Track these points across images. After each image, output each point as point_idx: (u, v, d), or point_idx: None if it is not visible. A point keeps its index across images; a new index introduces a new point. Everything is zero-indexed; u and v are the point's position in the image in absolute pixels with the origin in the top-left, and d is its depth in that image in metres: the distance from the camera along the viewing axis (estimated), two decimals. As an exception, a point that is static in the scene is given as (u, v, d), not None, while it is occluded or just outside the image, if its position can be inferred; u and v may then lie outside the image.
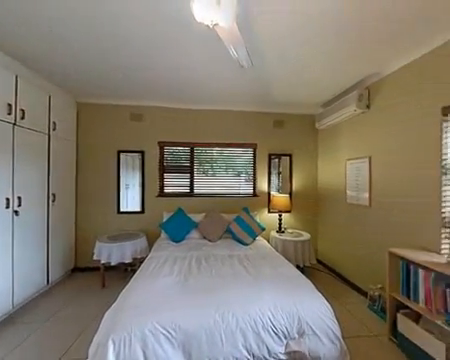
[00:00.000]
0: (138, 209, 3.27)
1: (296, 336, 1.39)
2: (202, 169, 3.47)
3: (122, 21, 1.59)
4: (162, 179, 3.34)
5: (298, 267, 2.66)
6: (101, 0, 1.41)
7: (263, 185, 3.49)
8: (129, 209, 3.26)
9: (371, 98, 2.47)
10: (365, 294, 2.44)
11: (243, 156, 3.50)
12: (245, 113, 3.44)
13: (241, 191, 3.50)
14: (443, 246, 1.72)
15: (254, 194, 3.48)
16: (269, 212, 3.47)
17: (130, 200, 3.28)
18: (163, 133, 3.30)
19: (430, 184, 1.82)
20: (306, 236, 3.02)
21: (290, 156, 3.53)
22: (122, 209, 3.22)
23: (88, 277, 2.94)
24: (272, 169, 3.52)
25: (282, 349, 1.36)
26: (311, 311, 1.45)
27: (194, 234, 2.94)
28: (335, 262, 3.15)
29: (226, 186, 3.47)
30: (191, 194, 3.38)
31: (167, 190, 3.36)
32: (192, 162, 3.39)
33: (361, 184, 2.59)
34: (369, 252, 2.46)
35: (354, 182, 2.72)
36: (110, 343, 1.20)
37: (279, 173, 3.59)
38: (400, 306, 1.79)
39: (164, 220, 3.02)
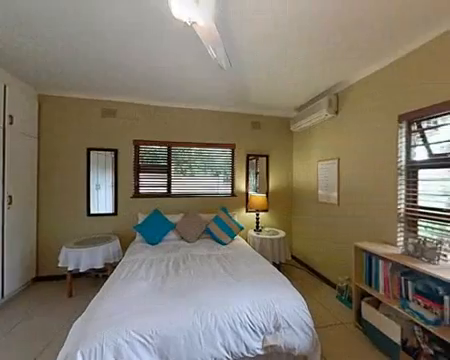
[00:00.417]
0: (110, 211, 3.08)
1: (272, 330, 1.44)
2: (180, 169, 3.40)
3: (94, 10, 1.48)
4: (137, 179, 3.20)
5: (274, 264, 2.77)
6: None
7: (241, 185, 3.54)
8: (100, 211, 3.05)
9: (339, 104, 2.67)
10: (334, 286, 2.63)
11: (222, 156, 3.52)
12: (224, 113, 3.46)
13: (220, 191, 3.51)
14: (399, 239, 1.94)
15: (232, 194, 3.52)
16: (247, 211, 3.54)
17: (101, 201, 3.07)
18: (139, 131, 3.15)
19: (388, 184, 2.03)
20: (282, 234, 3.15)
21: (267, 157, 3.64)
22: (92, 211, 3.01)
23: (53, 286, 2.69)
24: (250, 169, 3.60)
25: (259, 345, 1.40)
26: (286, 306, 1.52)
27: (171, 235, 2.87)
28: (308, 258, 3.34)
29: (204, 186, 3.45)
30: (168, 194, 3.29)
31: (143, 190, 3.23)
32: (169, 162, 3.30)
33: (330, 184, 2.79)
34: (338, 247, 2.66)
35: (325, 182, 2.91)
36: (79, 355, 1.11)
37: (257, 173, 3.69)
38: (364, 295, 1.97)
39: (139, 222, 2.90)
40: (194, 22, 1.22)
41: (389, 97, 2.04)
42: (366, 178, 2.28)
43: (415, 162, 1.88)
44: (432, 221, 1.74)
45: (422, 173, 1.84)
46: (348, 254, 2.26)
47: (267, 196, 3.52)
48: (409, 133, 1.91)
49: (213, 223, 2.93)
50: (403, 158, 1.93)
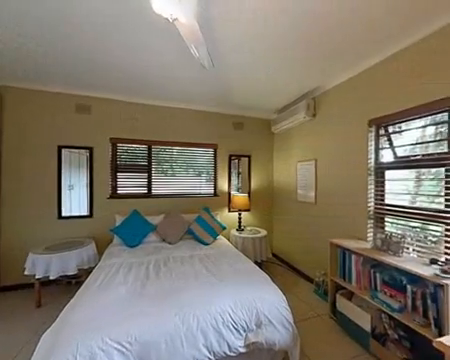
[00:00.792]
0: (85, 213, 2.89)
1: (254, 328, 1.47)
2: (161, 169, 3.31)
3: (72, 1, 1.38)
4: (115, 179, 3.05)
5: (256, 262, 2.82)
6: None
7: (224, 185, 3.56)
8: (74, 213, 2.85)
9: (317, 107, 2.81)
10: (312, 281, 2.76)
11: (204, 156, 3.50)
12: (206, 113, 3.44)
13: (202, 191, 3.49)
14: (369, 234, 2.09)
15: (215, 194, 3.52)
16: (230, 211, 3.56)
17: (75, 203, 2.87)
18: (116, 129, 3.01)
19: (360, 184, 2.18)
20: (263, 233, 3.22)
21: (249, 157, 3.70)
22: (64, 213, 2.80)
23: (18, 296, 2.45)
24: (232, 169, 3.63)
25: (241, 343, 1.42)
26: (268, 303, 1.55)
27: (152, 237, 2.79)
28: (288, 255, 3.46)
29: (187, 186, 3.40)
30: (149, 195, 3.18)
31: (121, 191, 3.08)
32: (150, 161, 3.20)
33: (308, 184, 2.92)
34: (315, 244, 2.79)
35: (303, 182, 3.04)
36: (48, 370, 1.03)
37: (239, 173, 3.73)
38: (339, 288, 2.09)
39: (117, 224, 2.76)
40: (176, 19, 1.19)
41: (360, 103, 2.20)
42: (340, 178, 2.43)
43: (383, 163, 2.04)
44: (397, 217, 1.91)
45: (388, 173, 2.01)
46: (325, 250, 2.38)
47: (249, 196, 3.58)
48: (378, 137, 2.07)
49: (195, 223, 2.90)
50: (372, 160, 2.09)
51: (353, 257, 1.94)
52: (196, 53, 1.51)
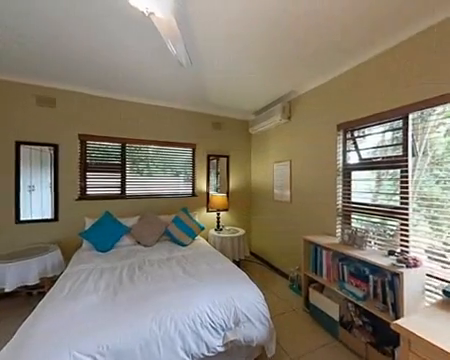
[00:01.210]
0: (49, 216, 2.63)
1: (232, 326, 1.48)
2: (136, 168, 3.16)
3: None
4: (84, 179, 2.83)
5: (234, 261, 2.86)
6: None
7: (202, 185, 3.53)
8: (35, 217, 2.57)
9: (292, 111, 2.94)
10: (287, 277, 2.89)
11: (182, 156, 3.43)
12: (184, 112, 3.38)
13: (180, 191, 3.42)
14: (337, 230, 2.26)
15: (193, 194, 3.47)
16: (208, 211, 3.55)
17: (36, 205, 2.60)
18: (86, 125, 2.79)
19: (330, 183, 2.34)
20: (241, 232, 3.28)
21: (228, 157, 3.73)
22: (24, 217, 2.51)
23: (-36, 314, 2.13)
24: (211, 169, 3.63)
25: (220, 342, 1.42)
26: (246, 300, 1.59)
27: (126, 240, 2.65)
28: (265, 253, 3.57)
29: (164, 186, 3.30)
30: (123, 196, 3.02)
31: (91, 192, 2.87)
32: (124, 160, 3.03)
33: (284, 184, 3.05)
34: (290, 241, 2.92)
35: (279, 182, 3.17)
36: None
37: (218, 173, 3.74)
38: (311, 281, 2.22)
39: (87, 227, 2.57)
40: (152, 13, 1.15)
41: (330, 108, 2.36)
42: (313, 178, 2.58)
43: (349, 165, 2.22)
44: (361, 214, 2.09)
45: (354, 174, 2.19)
46: (298, 246, 2.51)
47: (228, 196, 3.61)
48: (345, 140, 2.25)
49: (173, 224, 2.83)
50: (341, 161, 2.27)
51: (324, 252, 2.08)
52: (173, 50, 1.48)
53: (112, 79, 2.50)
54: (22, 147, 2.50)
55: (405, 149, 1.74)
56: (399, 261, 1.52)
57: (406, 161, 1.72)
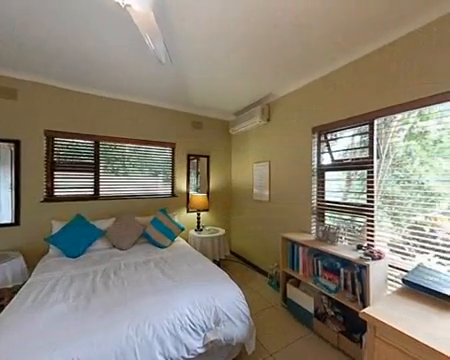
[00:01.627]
0: (8, 220, 2.37)
1: (213, 326, 1.48)
2: (111, 167, 2.99)
3: None
4: (51, 179, 2.60)
5: (215, 261, 2.86)
6: None
7: (182, 185, 3.47)
8: (-9, 221, 2.30)
9: (271, 113, 3.03)
10: (267, 274, 2.97)
11: (161, 155, 3.33)
12: (164, 110, 3.29)
13: (159, 192, 3.32)
14: (312, 228, 2.39)
15: (173, 194, 3.40)
16: (188, 212, 3.50)
17: (-7, 208, 2.32)
18: (53, 120, 2.57)
19: (305, 183, 2.46)
20: (221, 232, 3.29)
21: (208, 157, 3.71)
22: (-23, 222, 2.23)
23: None
24: (191, 169, 3.58)
25: (200, 343, 1.41)
26: (226, 299, 1.59)
27: (99, 244, 2.49)
28: (245, 251, 3.63)
29: (142, 187, 3.18)
30: (96, 197, 2.83)
31: (59, 193, 2.65)
32: (97, 159, 2.85)
33: (263, 183, 3.13)
34: (269, 239, 3.01)
35: (259, 182, 3.24)
36: None
37: (198, 173, 3.70)
38: (289, 277, 2.31)
39: (54, 231, 2.36)
40: (128, 5, 1.10)
41: (306, 111, 2.49)
42: (290, 178, 2.69)
43: (323, 165, 2.36)
44: (333, 212, 2.24)
45: (327, 174, 2.33)
46: (276, 244, 2.60)
47: (208, 196, 3.59)
48: (319, 142, 2.38)
49: (151, 226, 2.73)
50: (315, 162, 2.40)
51: (300, 249, 2.18)
52: (151, 45, 1.43)
53: (85, 73, 2.34)
54: (-25, 143, 2.22)
55: (371, 152, 1.90)
56: (366, 254, 1.66)
57: (372, 163, 1.88)
